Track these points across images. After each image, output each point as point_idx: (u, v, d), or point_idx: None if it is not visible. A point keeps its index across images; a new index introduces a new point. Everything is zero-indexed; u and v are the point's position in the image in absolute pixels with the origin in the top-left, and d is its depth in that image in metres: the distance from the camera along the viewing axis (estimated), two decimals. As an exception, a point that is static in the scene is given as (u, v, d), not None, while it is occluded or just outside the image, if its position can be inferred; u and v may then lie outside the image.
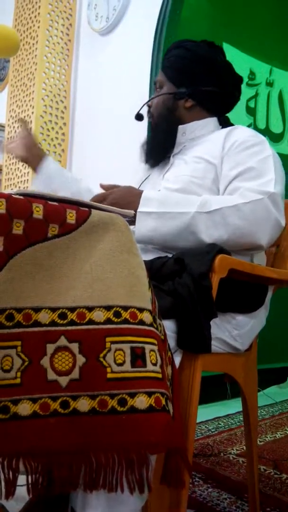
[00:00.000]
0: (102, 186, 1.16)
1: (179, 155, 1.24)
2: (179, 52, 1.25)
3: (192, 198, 1.03)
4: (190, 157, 1.19)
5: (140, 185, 1.33)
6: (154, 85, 1.30)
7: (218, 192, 1.12)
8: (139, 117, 1.32)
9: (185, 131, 1.24)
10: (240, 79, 1.29)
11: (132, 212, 0.81)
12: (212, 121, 1.27)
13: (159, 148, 1.27)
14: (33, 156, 1.40)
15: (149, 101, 1.30)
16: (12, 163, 2.78)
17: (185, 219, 0.99)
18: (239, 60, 2.67)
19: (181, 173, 1.17)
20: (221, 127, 1.27)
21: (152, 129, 1.29)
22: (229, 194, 1.07)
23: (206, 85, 1.23)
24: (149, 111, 1.29)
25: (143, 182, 1.33)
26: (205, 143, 1.20)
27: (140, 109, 1.31)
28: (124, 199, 1.04)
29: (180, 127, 1.24)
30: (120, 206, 0.90)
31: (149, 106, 1.29)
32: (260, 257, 1.15)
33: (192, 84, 1.23)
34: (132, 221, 1.00)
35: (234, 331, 1.03)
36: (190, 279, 0.86)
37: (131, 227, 0.96)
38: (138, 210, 1.01)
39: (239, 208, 0.98)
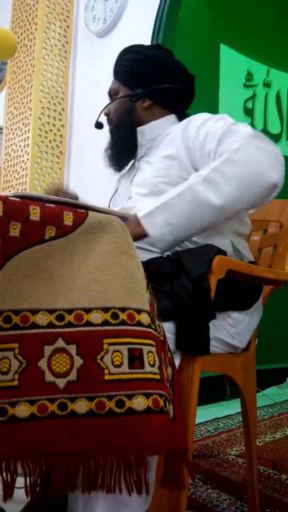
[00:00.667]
0: None
1: (145, 157, 1.25)
2: (129, 56, 1.27)
3: (180, 184, 1.02)
4: (154, 158, 1.20)
5: (112, 196, 1.35)
6: (108, 95, 1.30)
7: None
8: (98, 125, 1.32)
9: (144, 132, 1.24)
10: (192, 77, 1.29)
11: (130, 213, 0.81)
12: (171, 118, 1.27)
13: (122, 152, 1.27)
14: None
15: (105, 107, 1.29)
16: (11, 165, 2.79)
17: (187, 196, 0.96)
18: (236, 61, 2.67)
19: (147, 176, 1.18)
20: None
21: (113, 134, 1.29)
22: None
23: (160, 83, 1.24)
24: (108, 119, 1.29)
25: (114, 193, 1.34)
26: (165, 139, 1.20)
27: (98, 117, 1.30)
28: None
29: (139, 128, 1.24)
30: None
31: (107, 114, 1.29)
32: (242, 242, 1.14)
33: (147, 84, 1.23)
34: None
35: (231, 329, 1.04)
36: (189, 281, 0.86)
37: (146, 245, 0.95)
38: (139, 216, 0.97)
39: (231, 159, 0.96)
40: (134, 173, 1.26)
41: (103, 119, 1.31)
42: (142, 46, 1.31)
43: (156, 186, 1.14)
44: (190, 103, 1.32)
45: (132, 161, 1.30)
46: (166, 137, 1.20)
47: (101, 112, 1.30)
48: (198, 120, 1.14)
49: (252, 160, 0.96)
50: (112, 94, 1.29)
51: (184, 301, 0.84)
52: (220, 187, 0.95)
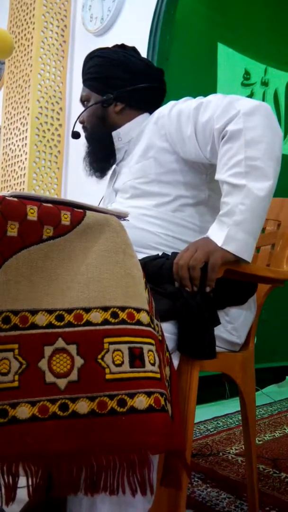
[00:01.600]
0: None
1: (123, 162, 1.24)
2: (93, 61, 1.27)
3: (226, 192, 0.97)
4: (131, 161, 1.19)
5: (99, 204, 1.34)
6: (81, 103, 1.30)
7: (169, 176, 1.11)
8: (74, 135, 1.33)
9: (120, 135, 1.24)
10: (161, 71, 1.29)
11: (128, 213, 0.81)
12: (144, 116, 1.26)
13: (100, 159, 1.27)
14: None
15: (79, 117, 1.29)
16: (9, 165, 2.78)
17: (248, 201, 0.93)
18: (234, 60, 2.67)
19: (126, 179, 1.18)
20: None
21: (89, 141, 1.29)
22: (206, 136, 1.04)
23: (129, 84, 1.23)
24: (83, 127, 1.30)
25: (100, 201, 1.33)
26: (140, 139, 1.19)
27: (74, 127, 1.31)
28: (203, 249, 0.92)
29: (114, 133, 1.24)
30: (205, 255, 0.88)
31: (82, 122, 1.29)
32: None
33: (115, 87, 1.23)
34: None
35: (228, 325, 1.04)
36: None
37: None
38: (219, 244, 0.92)
39: (249, 140, 0.95)
40: (115, 178, 1.26)
41: (79, 128, 1.30)
42: (105, 49, 1.29)
43: (136, 189, 1.14)
44: (163, 98, 1.31)
45: (106, 170, 1.30)
46: (140, 136, 1.20)
47: (76, 121, 1.30)
48: (165, 108, 1.15)
49: (259, 127, 0.96)
50: (83, 101, 1.29)
51: (191, 305, 0.85)
52: (262, 169, 0.94)
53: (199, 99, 1.10)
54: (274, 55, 2.86)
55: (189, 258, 0.89)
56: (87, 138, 1.30)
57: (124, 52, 1.27)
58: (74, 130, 1.31)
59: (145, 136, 1.17)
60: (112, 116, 1.25)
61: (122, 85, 1.23)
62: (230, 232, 0.92)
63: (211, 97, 1.08)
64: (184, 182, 1.11)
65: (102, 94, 1.24)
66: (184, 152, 1.10)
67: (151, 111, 1.25)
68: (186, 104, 1.10)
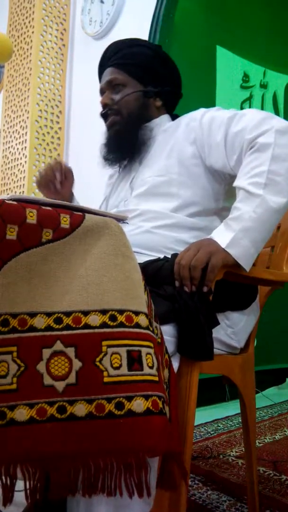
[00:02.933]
0: None
1: (144, 157, 1.22)
2: (138, 49, 1.24)
3: (240, 198, 0.98)
4: (153, 159, 1.19)
5: (102, 202, 1.33)
6: (108, 85, 1.24)
7: (189, 180, 1.11)
8: (107, 114, 1.25)
9: (151, 129, 1.23)
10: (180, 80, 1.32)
11: (127, 216, 0.81)
12: (166, 118, 1.27)
13: (127, 146, 1.22)
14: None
15: (121, 99, 1.22)
16: (8, 168, 2.79)
17: (261, 210, 0.94)
18: (232, 62, 2.68)
19: (145, 176, 1.17)
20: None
21: (120, 126, 1.22)
22: (234, 146, 1.06)
23: (166, 84, 1.24)
24: (112, 109, 1.23)
25: (104, 200, 1.32)
26: (165, 139, 1.19)
27: (106, 110, 1.24)
28: (205, 250, 0.91)
29: (148, 124, 1.23)
30: (207, 255, 0.88)
31: (107, 105, 1.23)
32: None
33: (158, 83, 1.23)
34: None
35: (228, 329, 1.04)
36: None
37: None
38: (223, 246, 0.92)
39: (276, 156, 0.97)
40: (134, 175, 1.24)
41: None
42: (146, 41, 1.28)
43: (155, 187, 1.13)
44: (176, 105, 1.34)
45: (125, 161, 1.26)
46: (163, 135, 1.20)
47: (111, 105, 1.23)
48: (197, 113, 1.15)
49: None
50: (115, 84, 1.23)
51: (190, 306, 0.85)
52: (281, 186, 0.95)
53: (234, 110, 1.11)
54: (273, 57, 2.87)
55: (191, 258, 0.89)
56: (118, 122, 1.23)
57: (164, 52, 1.28)
58: (104, 112, 1.25)
59: (172, 137, 1.17)
60: (151, 109, 1.24)
61: (163, 82, 1.23)
62: (236, 236, 0.92)
63: (246, 110, 1.10)
64: (203, 188, 1.11)
65: (144, 84, 1.23)
66: (210, 159, 1.10)
67: (171, 113, 1.29)
68: (220, 113, 1.12)
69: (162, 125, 1.24)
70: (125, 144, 1.21)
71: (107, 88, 1.24)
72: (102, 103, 1.24)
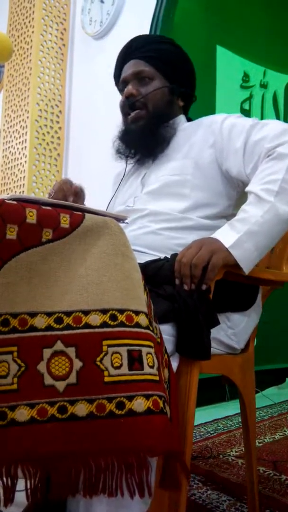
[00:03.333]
0: None
1: (160, 155, 1.21)
2: (168, 47, 1.23)
3: (249, 201, 0.98)
4: (168, 157, 1.18)
5: (112, 198, 1.32)
6: (134, 76, 1.20)
7: (204, 182, 1.11)
8: (132, 106, 1.21)
9: (172, 127, 1.22)
10: None
11: (126, 216, 0.81)
12: (183, 117, 1.27)
13: (153, 145, 1.19)
14: None
15: (150, 92, 1.18)
16: (9, 167, 2.78)
17: (270, 216, 0.94)
18: (232, 62, 2.68)
19: (159, 174, 1.16)
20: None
21: (145, 124, 1.19)
22: (254, 152, 1.05)
23: (188, 86, 1.24)
24: (139, 101, 1.19)
25: (113, 196, 1.31)
26: (182, 139, 1.18)
27: (138, 99, 1.19)
28: (207, 248, 0.91)
29: (170, 122, 1.22)
30: (208, 254, 0.87)
31: (132, 95, 1.19)
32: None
33: (181, 82, 1.22)
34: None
35: (229, 330, 1.04)
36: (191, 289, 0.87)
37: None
38: (227, 246, 0.92)
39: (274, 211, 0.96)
40: (146, 172, 1.22)
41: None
42: (172, 40, 1.27)
43: (168, 186, 1.13)
44: None
45: (138, 157, 1.24)
46: (181, 135, 1.19)
47: (141, 96, 1.19)
48: (218, 117, 1.16)
49: None
50: (143, 76, 1.20)
51: (189, 305, 0.85)
52: None
53: (256, 119, 1.12)
54: (273, 57, 2.86)
55: (192, 256, 0.88)
56: (143, 117, 1.19)
57: (186, 53, 1.28)
58: (131, 102, 1.20)
59: (191, 138, 1.16)
60: (175, 107, 1.24)
61: (186, 83, 1.23)
62: (241, 238, 0.92)
63: (269, 120, 1.09)
64: (216, 192, 1.11)
65: (170, 82, 1.21)
66: (227, 164, 1.10)
67: (185, 114, 1.30)
68: (242, 120, 1.12)
69: (181, 125, 1.23)
70: (148, 141, 1.19)
71: (132, 79, 1.21)
72: (127, 94, 1.20)
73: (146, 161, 1.24)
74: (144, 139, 1.19)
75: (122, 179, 1.32)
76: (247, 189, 1.01)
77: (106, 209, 1.30)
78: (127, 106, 1.21)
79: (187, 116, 1.31)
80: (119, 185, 1.32)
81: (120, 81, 1.25)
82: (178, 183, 1.12)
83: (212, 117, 1.19)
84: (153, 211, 1.11)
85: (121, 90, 1.26)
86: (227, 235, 0.93)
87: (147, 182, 1.19)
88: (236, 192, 1.13)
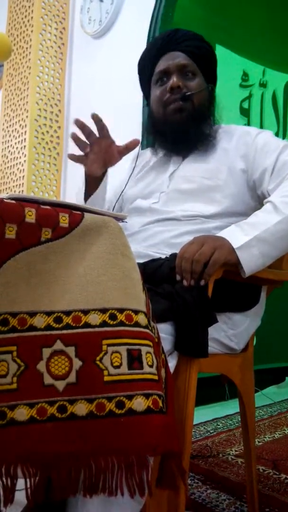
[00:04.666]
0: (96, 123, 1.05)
1: (191, 155, 1.19)
2: (207, 46, 1.21)
3: (264, 209, 0.99)
4: (200, 156, 1.16)
5: (129, 177, 1.27)
6: (180, 68, 1.16)
7: (235, 190, 1.10)
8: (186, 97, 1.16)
9: (212, 127, 1.20)
10: None
11: (126, 215, 0.81)
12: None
13: (194, 137, 1.16)
14: (98, 171, 1.16)
15: (197, 90, 1.16)
16: (8, 167, 2.78)
17: (283, 227, 0.95)
18: (232, 61, 2.68)
19: (190, 173, 1.14)
20: None
21: (189, 117, 1.15)
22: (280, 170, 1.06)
23: (214, 89, 1.24)
24: (186, 94, 1.15)
25: (131, 174, 1.27)
26: (218, 141, 1.17)
27: (184, 92, 1.15)
28: (210, 244, 0.90)
29: (208, 122, 1.19)
30: (211, 250, 0.87)
31: (178, 87, 1.15)
32: None
33: (214, 83, 1.22)
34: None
35: (229, 331, 1.03)
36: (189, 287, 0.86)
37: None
38: (235, 247, 0.91)
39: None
40: (174, 169, 1.19)
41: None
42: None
43: (201, 189, 1.11)
44: None
45: (164, 152, 1.22)
46: (215, 137, 1.18)
47: (194, 91, 1.15)
48: (251, 130, 1.16)
49: None
50: (188, 71, 1.17)
51: (188, 303, 0.84)
52: None
53: (283, 141, 1.13)
54: (272, 56, 2.86)
55: (194, 252, 0.88)
56: (187, 110, 1.15)
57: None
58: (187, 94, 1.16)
59: (224, 143, 1.15)
60: (211, 107, 1.22)
61: (215, 83, 1.23)
62: (250, 242, 0.91)
63: None
64: (244, 201, 1.11)
65: (206, 82, 1.20)
66: (254, 176, 1.10)
67: None
68: (275, 140, 1.13)
69: (216, 127, 1.21)
70: (189, 135, 1.15)
71: (176, 71, 1.17)
72: (174, 85, 1.15)
73: (175, 157, 1.20)
74: (186, 132, 1.15)
75: (142, 169, 1.27)
76: (265, 200, 1.02)
77: (122, 191, 1.27)
78: (171, 98, 1.16)
79: None
80: (132, 171, 1.28)
81: (158, 71, 1.19)
82: (210, 188, 1.11)
83: (243, 128, 1.19)
84: (180, 215, 1.09)
85: (157, 80, 1.20)
86: (235, 236, 0.93)
87: (176, 180, 1.16)
88: (256, 205, 1.12)
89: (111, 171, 1.19)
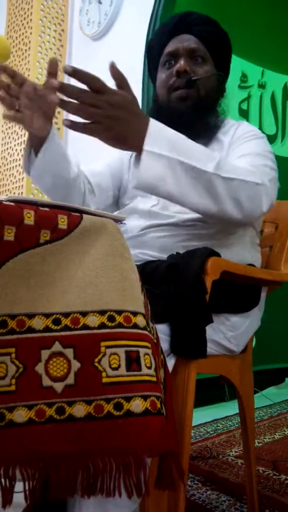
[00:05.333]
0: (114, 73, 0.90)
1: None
2: (222, 33, 1.14)
3: (206, 151, 0.90)
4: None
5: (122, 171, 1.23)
6: (190, 52, 1.10)
7: None
8: (190, 82, 1.09)
9: (219, 118, 1.14)
10: None
11: (125, 216, 0.80)
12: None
13: (200, 130, 1.08)
14: (42, 129, 1.04)
15: (205, 76, 1.09)
16: (7, 169, 2.78)
17: (201, 177, 0.86)
18: (231, 62, 2.68)
19: None
20: None
21: (194, 105, 1.08)
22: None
23: (227, 76, 1.17)
24: (191, 79, 1.08)
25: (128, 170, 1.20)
26: (222, 137, 1.12)
27: (191, 77, 1.08)
28: (125, 122, 0.81)
29: (215, 112, 1.13)
30: (118, 129, 0.78)
31: (185, 72, 1.08)
32: (257, 254, 1.13)
33: (226, 72, 1.15)
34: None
35: (228, 333, 1.03)
36: (186, 285, 0.86)
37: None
38: (145, 148, 0.82)
39: (252, 187, 0.92)
40: None
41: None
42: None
43: None
44: None
45: None
46: (221, 132, 1.12)
47: (196, 77, 1.08)
48: (244, 130, 1.11)
49: (256, 202, 0.94)
50: (198, 55, 1.11)
51: (181, 304, 0.84)
52: (226, 197, 0.90)
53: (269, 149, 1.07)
54: (271, 57, 2.87)
55: (104, 106, 0.82)
56: (194, 97, 1.08)
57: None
58: (193, 78, 1.08)
59: (227, 142, 1.09)
60: (219, 97, 1.15)
61: (227, 74, 1.16)
62: (163, 158, 0.83)
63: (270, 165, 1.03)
64: None
65: (217, 69, 1.13)
66: None
67: None
68: (258, 142, 1.07)
69: (224, 119, 1.15)
70: (194, 126, 1.06)
71: (186, 55, 1.10)
72: (181, 69, 1.08)
73: None
74: (190, 123, 1.06)
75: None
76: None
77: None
78: (176, 83, 1.09)
79: None
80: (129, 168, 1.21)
81: (167, 52, 1.13)
82: None
83: (246, 128, 1.12)
84: (180, 220, 1.03)
85: (164, 62, 1.14)
86: (157, 142, 0.83)
87: None
88: None
89: (104, 149, 1.08)
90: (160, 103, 1.14)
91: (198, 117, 1.08)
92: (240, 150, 1.05)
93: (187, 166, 0.85)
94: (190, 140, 0.90)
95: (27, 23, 2.71)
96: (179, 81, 1.09)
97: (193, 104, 1.09)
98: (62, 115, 2.75)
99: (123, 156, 1.25)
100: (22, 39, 2.74)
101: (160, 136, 0.85)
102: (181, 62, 1.09)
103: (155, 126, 0.85)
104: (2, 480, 0.57)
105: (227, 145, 1.09)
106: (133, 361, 0.62)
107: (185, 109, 1.08)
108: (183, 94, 1.09)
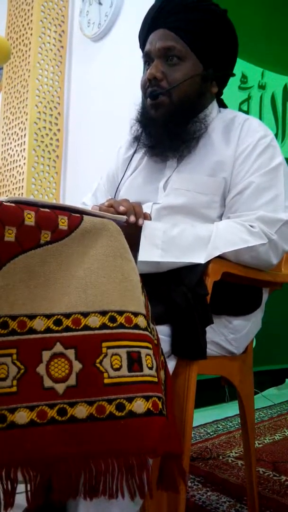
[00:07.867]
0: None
1: (185, 158, 1.03)
2: (201, 15, 0.97)
3: (201, 235, 0.89)
4: (196, 161, 1.02)
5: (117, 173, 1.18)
6: (163, 52, 0.99)
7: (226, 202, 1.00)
8: (155, 96, 1.00)
9: (202, 121, 1.02)
10: None
11: (125, 217, 0.80)
12: (216, 105, 1.10)
13: (177, 139, 1.00)
14: None
15: (177, 82, 0.98)
16: (7, 169, 2.78)
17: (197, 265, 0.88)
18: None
19: (183, 184, 1.01)
20: (219, 109, 1.12)
21: (166, 113, 0.99)
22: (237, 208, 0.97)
23: (227, 64, 1.04)
24: (160, 85, 0.99)
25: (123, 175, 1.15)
26: (210, 137, 1.02)
27: (162, 86, 0.99)
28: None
29: (200, 115, 1.02)
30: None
31: (155, 78, 0.99)
32: None
33: (218, 62, 1.01)
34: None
35: (230, 335, 1.03)
36: (186, 286, 0.86)
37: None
38: (139, 259, 0.86)
39: (254, 249, 0.92)
40: (170, 175, 1.04)
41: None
42: (213, 3, 1.01)
43: (193, 206, 0.99)
44: None
45: (155, 152, 1.05)
46: (211, 133, 1.03)
47: (168, 89, 0.98)
48: (257, 134, 1.01)
49: (266, 261, 0.97)
50: (172, 55, 0.98)
51: (181, 305, 0.84)
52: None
53: (280, 160, 1.00)
54: (271, 58, 2.87)
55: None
56: (166, 105, 0.99)
57: (229, 19, 1.02)
58: (155, 92, 0.99)
59: (221, 145, 1.00)
60: (206, 96, 1.03)
61: (225, 62, 1.03)
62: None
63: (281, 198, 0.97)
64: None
65: (204, 64, 0.99)
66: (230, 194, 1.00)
67: (218, 99, 1.11)
68: (265, 159, 0.99)
69: (212, 119, 1.04)
70: (172, 136, 0.99)
71: (159, 56, 0.99)
72: (150, 76, 0.99)
73: (170, 160, 1.04)
74: (167, 132, 0.99)
75: (138, 165, 1.11)
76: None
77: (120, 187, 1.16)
78: (149, 89, 1.00)
79: (220, 98, 1.13)
80: (124, 172, 1.15)
81: (144, 52, 1.04)
82: (205, 204, 0.99)
83: (249, 126, 1.02)
84: (182, 221, 0.98)
85: (145, 62, 1.05)
86: (150, 253, 0.87)
87: (169, 190, 1.02)
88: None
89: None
90: (143, 106, 1.07)
91: (175, 126, 1.00)
92: (250, 173, 0.97)
93: (180, 263, 0.89)
94: (185, 235, 0.90)
95: (28, 24, 2.72)
96: (150, 89, 1.01)
97: (166, 111, 1.00)
98: (62, 119, 2.75)
99: (118, 159, 1.23)
100: (23, 40, 2.74)
101: (151, 246, 0.88)
102: (152, 68, 0.99)
103: (144, 237, 0.88)
104: (4, 482, 0.57)
105: (233, 145, 1.01)
106: (134, 362, 0.62)
107: (159, 117, 1.00)
108: (154, 102, 1.00)
